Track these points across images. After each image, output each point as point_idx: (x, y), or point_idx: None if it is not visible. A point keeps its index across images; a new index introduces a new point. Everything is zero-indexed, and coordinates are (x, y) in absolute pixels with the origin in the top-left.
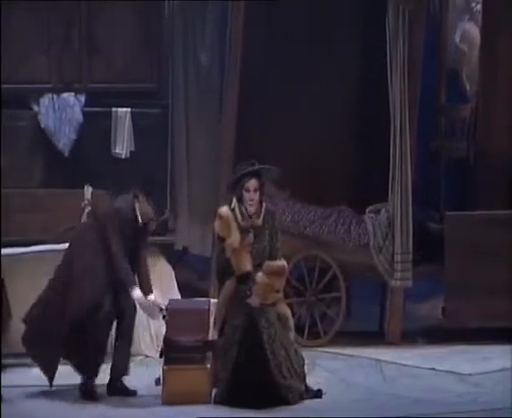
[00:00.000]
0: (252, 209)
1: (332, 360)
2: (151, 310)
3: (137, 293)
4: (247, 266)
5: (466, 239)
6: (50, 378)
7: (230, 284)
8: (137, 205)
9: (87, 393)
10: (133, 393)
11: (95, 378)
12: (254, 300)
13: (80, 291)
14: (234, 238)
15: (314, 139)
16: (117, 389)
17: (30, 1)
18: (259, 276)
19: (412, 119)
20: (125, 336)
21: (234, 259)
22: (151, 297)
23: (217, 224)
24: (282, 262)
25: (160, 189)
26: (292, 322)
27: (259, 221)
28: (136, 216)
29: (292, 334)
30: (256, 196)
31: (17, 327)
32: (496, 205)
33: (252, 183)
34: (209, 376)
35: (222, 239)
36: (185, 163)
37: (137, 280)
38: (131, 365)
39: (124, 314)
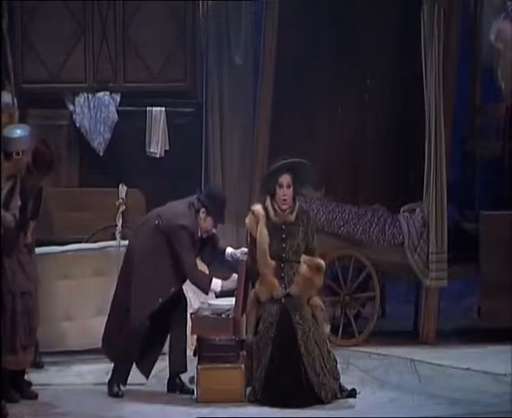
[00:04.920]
0: (285, 206)
1: (366, 360)
2: (234, 283)
3: (216, 284)
4: (273, 294)
5: (501, 239)
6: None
7: (253, 294)
8: (200, 220)
9: (114, 391)
10: (191, 391)
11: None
12: (294, 289)
13: (143, 295)
14: (261, 237)
15: (349, 138)
16: (176, 385)
17: (66, 1)
18: (304, 268)
19: (447, 119)
20: (180, 333)
21: (260, 286)
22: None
23: (248, 219)
24: (321, 260)
25: (194, 188)
26: (327, 314)
27: (292, 217)
28: (197, 229)
29: (328, 327)
30: (289, 191)
31: (56, 327)
32: None
33: (285, 178)
34: (243, 375)
35: (252, 240)
36: (219, 162)
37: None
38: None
39: (176, 311)
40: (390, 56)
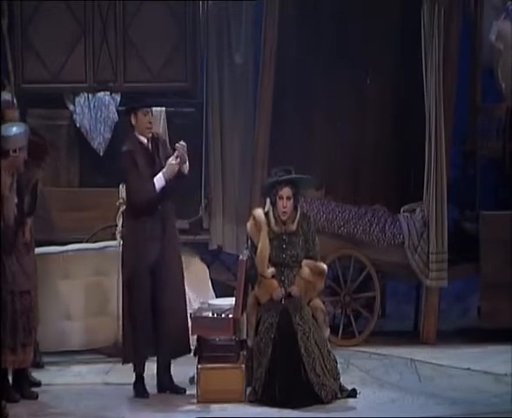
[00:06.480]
0: (285, 217)
1: (366, 360)
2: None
3: (160, 180)
4: (273, 295)
5: (501, 239)
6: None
7: (253, 296)
8: (135, 130)
9: (139, 391)
10: (182, 391)
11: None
12: (294, 290)
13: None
14: (262, 245)
15: (349, 138)
16: (166, 385)
17: (67, 1)
18: (306, 272)
19: (448, 119)
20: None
21: (260, 289)
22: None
23: (249, 224)
24: (324, 265)
25: (195, 188)
26: (327, 317)
27: (293, 227)
28: (141, 141)
29: (327, 331)
30: (289, 203)
31: (56, 327)
32: None
33: (286, 191)
34: (243, 375)
35: (252, 245)
36: (220, 162)
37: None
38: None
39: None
40: (390, 56)
